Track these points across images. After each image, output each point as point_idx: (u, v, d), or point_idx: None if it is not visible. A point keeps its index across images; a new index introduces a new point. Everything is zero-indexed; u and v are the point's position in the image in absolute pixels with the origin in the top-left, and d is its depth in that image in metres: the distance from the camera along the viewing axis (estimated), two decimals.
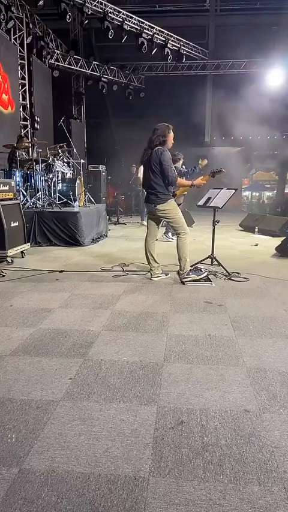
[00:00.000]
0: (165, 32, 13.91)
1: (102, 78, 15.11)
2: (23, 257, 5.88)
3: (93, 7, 11.77)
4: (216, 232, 5.29)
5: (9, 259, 5.42)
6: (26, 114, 11.58)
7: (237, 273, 4.88)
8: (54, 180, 7.70)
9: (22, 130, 11.17)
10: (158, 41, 13.75)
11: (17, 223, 5.70)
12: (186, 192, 5.08)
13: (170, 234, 7.51)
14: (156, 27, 13.61)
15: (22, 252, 5.87)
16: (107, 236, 8.53)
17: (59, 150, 8.47)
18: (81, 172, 9.39)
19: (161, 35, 13.83)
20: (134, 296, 4.04)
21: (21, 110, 11.38)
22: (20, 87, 11.28)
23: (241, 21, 16.65)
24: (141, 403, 2.08)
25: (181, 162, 7.30)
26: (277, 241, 6.85)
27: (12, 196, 5.80)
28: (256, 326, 3.21)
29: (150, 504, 1.44)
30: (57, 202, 7.57)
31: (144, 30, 13.23)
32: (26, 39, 11.35)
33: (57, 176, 7.80)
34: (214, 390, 2.21)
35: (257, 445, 1.76)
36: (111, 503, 1.44)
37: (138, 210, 12.34)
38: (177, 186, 4.55)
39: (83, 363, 2.53)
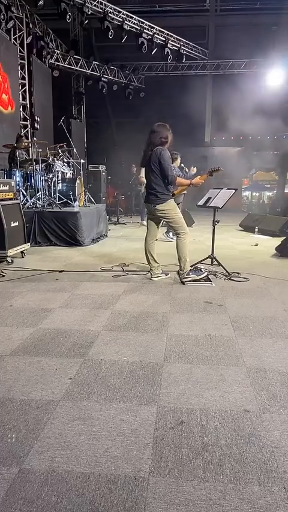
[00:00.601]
0: (165, 32, 13.91)
1: (102, 78, 15.11)
2: (23, 257, 5.88)
3: (93, 7, 11.78)
4: (216, 232, 5.29)
5: (9, 259, 5.42)
6: (26, 114, 11.58)
7: (237, 273, 4.88)
8: (54, 180, 7.70)
9: (22, 130, 11.17)
10: (158, 41, 13.75)
11: (17, 223, 5.70)
12: (185, 192, 5.08)
13: (171, 234, 7.52)
14: (156, 27, 13.61)
15: (22, 252, 5.87)
16: (107, 236, 8.54)
17: (59, 150, 8.48)
18: (81, 172, 9.39)
19: (161, 35, 13.83)
20: (134, 296, 4.04)
21: (21, 109, 11.39)
22: (20, 87, 11.28)
23: (241, 21, 16.65)
24: (141, 403, 2.08)
25: (178, 161, 7.29)
26: (277, 241, 6.85)
27: (12, 196, 5.80)
28: (256, 326, 3.21)
29: (150, 504, 1.44)
30: (57, 202, 7.57)
31: (144, 30, 13.23)
32: (26, 39, 11.35)
33: (57, 176, 7.81)
34: (214, 390, 2.21)
35: (257, 445, 1.76)
36: (111, 503, 1.44)
37: (138, 210, 12.34)
38: (176, 186, 4.55)
39: (83, 363, 2.53)
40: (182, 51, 14.72)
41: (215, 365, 2.51)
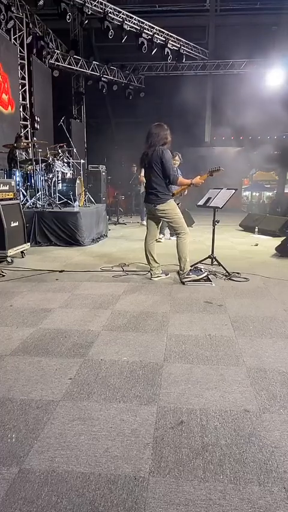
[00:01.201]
0: (165, 32, 13.90)
1: (102, 78, 15.11)
2: (23, 257, 5.88)
3: (93, 7, 11.77)
4: (216, 232, 5.29)
5: (9, 259, 5.42)
6: (26, 114, 11.58)
7: (237, 273, 4.88)
8: (54, 180, 7.70)
9: (22, 130, 11.17)
10: (158, 41, 13.74)
11: (17, 223, 5.70)
12: (186, 192, 5.07)
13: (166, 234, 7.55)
14: (156, 27, 13.60)
15: (22, 252, 5.87)
16: (107, 236, 8.54)
17: (59, 150, 8.48)
18: (81, 172, 9.39)
19: (161, 35, 13.82)
20: (134, 296, 4.04)
21: (21, 109, 11.38)
22: (20, 87, 11.28)
23: (241, 21, 16.64)
24: (141, 403, 2.08)
25: (178, 162, 7.25)
26: (277, 241, 6.85)
27: (12, 196, 5.80)
28: (256, 326, 3.21)
29: (150, 504, 1.44)
30: (57, 202, 7.57)
31: (144, 30, 13.22)
32: (26, 39, 11.34)
33: (57, 176, 7.81)
34: (214, 390, 2.21)
35: (257, 445, 1.76)
36: (111, 503, 1.44)
37: (138, 210, 12.35)
38: (177, 185, 4.55)
39: (83, 363, 2.53)
40: (182, 51, 14.71)
41: (215, 365, 2.51)
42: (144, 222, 8.13)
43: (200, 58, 15.90)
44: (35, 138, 10.89)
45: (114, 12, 12.36)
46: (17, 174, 7.22)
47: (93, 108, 16.60)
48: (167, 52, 14.08)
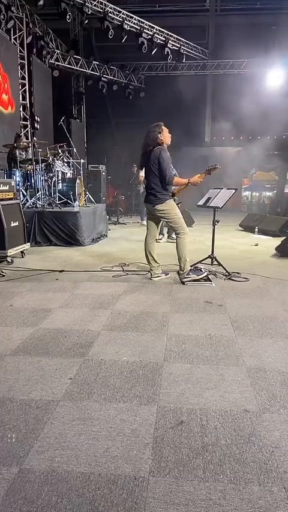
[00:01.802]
0: (165, 31, 13.90)
1: (102, 78, 15.10)
2: (23, 257, 5.88)
3: (93, 7, 11.76)
4: (216, 232, 5.29)
5: (9, 259, 5.42)
6: (26, 114, 11.57)
7: (237, 273, 4.88)
8: (54, 179, 7.70)
9: (22, 130, 11.16)
10: (158, 40, 13.74)
11: (17, 223, 5.70)
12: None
13: (165, 235, 7.48)
14: (156, 27, 13.59)
15: (22, 251, 5.87)
16: (107, 236, 8.53)
17: (59, 150, 8.48)
18: (81, 172, 9.39)
19: (161, 35, 13.81)
20: (134, 296, 4.04)
21: (21, 109, 11.38)
22: (20, 87, 11.28)
23: (241, 21, 16.62)
24: (141, 403, 2.08)
25: None
26: (277, 241, 6.85)
27: (12, 196, 5.80)
28: (256, 326, 3.21)
29: (150, 504, 1.44)
30: (57, 202, 7.57)
31: (144, 30, 13.22)
32: (26, 39, 11.34)
33: (57, 176, 7.80)
34: (214, 390, 2.21)
35: (257, 445, 1.76)
36: (111, 503, 1.44)
37: (138, 210, 12.35)
38: (173, 185, 4.55)
39: (83, 363, 2.53)
40: (182, 51, 14.70)
41: (215, 365, 2.51)
42: (144, 222, 8.13)
43: (200, 58, 15.90)
44: (35, 138, 10.89)
45: (114, 12, 12.36)
46: (17, 174, 7.22)
47: (93, 108, 16.60)
48: (167, 52, 14.07)
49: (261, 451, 1.72)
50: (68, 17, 11.25)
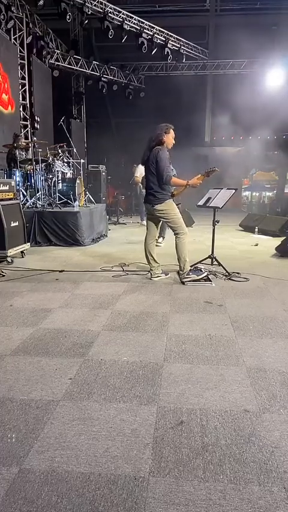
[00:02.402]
0: (165, 32, 13.89)
1: (102, 78, 15.10)
2: (23, 257, 5.88)
3: (93, 7, 11.76)
4: (216, 232, 5.29)
5: (9, 259, 5.42)
6: (26, 114, 11.57)
7: (237, 273, 4.88)
8: (54, 180, 7.70)
9: (22, 130, 11.16)
10: (158, 41, 13.73)
11: (17, 223, 5.70)
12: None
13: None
14: (156, 27, 13.59)
15: (22, 251, 5.87)
16: (107, 236, 8.53)
17: (59, 150, 8.47)
18: (81, 172, 9.39)
19: (161, 35, 13.81)
20: (134, 296, 4.04)
21: (21, 109, 11.38)
22: (20, 87, 11.28)
23: (241, 21, 16.62)
24: (141, 403, 2.08)
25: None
26: (277, 241, 6.85)
27: (12, 196, 5.80)
28: (256, 326, 3.21)
29: (150, 504, 1.44)
30: (57, 202, 7.57)
31: (144, 30, 13.21)
32: (26, 39, 11.34)
33: (57, 176, 7.80)
34: (214, 390, 2.21)
35: (257, 445, 1.76)
36: (111, 503, 1.44)
37: (138, 210, 12.35)
38: (171, 185, 4.54)
39: (83, 363, 2.53)
40: (182, 51, 14.70)
41: (215, 365, 2.51)
42: (144, 222, 8.12)
43: (200, 58, 15.90)
44: (35, 138, 10.88)
45: (114, 12, 12.36)
46: (17, 174, 7.22)
47: (93, 108, 16.60)
48: (167, 52, 14.07)
49: (261, 451, 1.72)
50: (68, 17, 11.25)
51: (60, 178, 7.94)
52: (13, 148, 7.38)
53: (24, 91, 11.47)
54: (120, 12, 12.49)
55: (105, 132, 17.63)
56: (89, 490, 1.51)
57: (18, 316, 3.41)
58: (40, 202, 7.44)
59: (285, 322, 3.32)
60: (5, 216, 5.32)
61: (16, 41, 11.07)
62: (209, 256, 5.24)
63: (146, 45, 13.26)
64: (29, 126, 11.58)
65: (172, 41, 14.23)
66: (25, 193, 7.52)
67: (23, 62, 11.30)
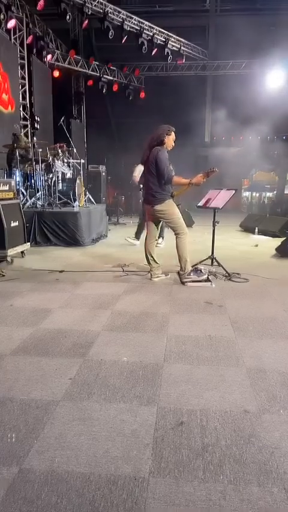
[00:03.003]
0: (165, 32, 13.89)
1: (102, 78, 15.10)
2: (23, 257, 5.88)
3: (93, 7, 11.75)
4: (216, 233, 5.29)
5: (9, 259, 5.42)
6: (26, 114, 11.57)
7: (237, 274, 4.88)
8: (54, 180, 7.70)
9: (22, 130, 11.16)
10: (158, 41, 13.73)
11: (17, 223, 5.70)
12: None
13: (130, 239, 7.33)
14: (156, 27, 13.58)
15: (22, 251, 5.87)
16: (107, 236, 8.53)
17: (59, 150, 8.46)
18: (81, 172, 9.38)
19: (161, 35, 13.81)
20: (134, 296, 4.05)
21: (21, 109, 11.38)
22: (20, 87, 11.28)
23: (241, 21, 16.62)
24: (141, 403, 2.08)
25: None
26: (277, 241, 6.85)
27: (12, 196, 5.80)
28: (256, 327, 3.21)
29: (150, 505, 1.45)
30: (57, 202, 7.57)
31: (144, 31, 13.21)
32: (26, 39, 11.34)
33: (57, 176, 7.80)
34: (214, 391, 2.21)
35: (257, 445, 1.76)
36: (111, 504, 1.44)
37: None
38: (173, 185, 4.54)
39: (83, 363, 2.53)
40: (182, 51, 14.70)
41: (215, 366, 2.51)
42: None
43: (200, 58, 15.90)
44: (35, 138, 10.88)
45: (114, 13, 12.35)
46: (17, 174, 7.22)
47: (93, 108, 16.59)
48: (167, 52, 14.07)
49: (261, 451, 1.72)
50: (68, 17, 11.24)
51: (60, 178, 7.94)
52: (13, 148, 7.38)
53: (24, 91, 11.46)
54: (120, 12, 12.49)
55: (105, 132, 17.64)
56: (89, 490, 1.51)
57: (18, 316, 3.41)
58: (40, 202, 7.44)
59: (285, 322, 3.32)
60: (5, 216, 5.32)
61: (16, 41, 11.07)
62: (209, 257, 5.24)
63: (146, 46, 13.26)
64: (29, 126, 11.57)
65: (172, 41, 14.23)
66: (25, 193, 7.52)
67: (23, 61, 11.29)
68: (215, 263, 5.16)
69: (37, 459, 1.67)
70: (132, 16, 12.90)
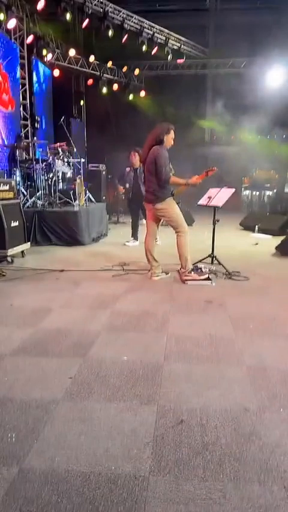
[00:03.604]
0: (166, 31, 13.88)
1: (103, 77, 15.09)
2: (23, 256, 5.88)
3: (94, 6, 11.75)
4: (216, 231, 5.29)
5: (9, 258, 5.42)
6: (27, 114, 11.57)
7: (238, 272, 4.87)
8: (54, 179, 7.69)
9: (22, 129, 11.16)
10: (158, 40, 13.72)
11: (17, 223, 5.70)
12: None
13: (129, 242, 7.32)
14: (156, 26, 13.57)
15: (22, 251, 5.87)
16: (107, 235, 8.53)
17: (59, 150, 8.46)
18: (82, 171, 9.37)
19: (161, 34, 13.80)
20: (134, 295, 4.04)
21: (21, 109, 11.37)
22: (20, 87, 11.28)
23: (241, 21, 16.60)
24: (141, 402, 2.08)
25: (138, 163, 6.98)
26: (277, 240, 6.84)
27: (12, 196, 5.80)
28: (256, 325, 3.21)
29: (150, 503, 1.45)
30: (58, 201, 7.57)
31: (145, 30, 13.19)
32: (26, 38, 11.34)
33: (58, 175, 7.80)
34: (214, 389, 2.21)
35: (257, 444, 1.76)
36: (112, 503, 1.44)
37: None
38: (170, 185, 4.53)
39: (83, 363, 2.53)
40: (182, 50, 14.69)
41: (215, 364, 2.51)
42: (144, 222, 8.12)
43: (200, 57, 15.88)
44: (35, 138, 10.89)
45: (115, 11, 12.34)
46: (17, 173, 7.22)
47: (93, 107, 16.58)
48: (167, 51, 14.06)
49: (261, 450, 1.72)
50: (68, 16, 11.23)
51: (60, 177, 7.94)
52: (13, 148, 7.38)
53: (25, 91, 11.46)
54: (120, 11, 12.48)
55: (105, 132, 17.62)
56: (89, 489, 1.51)
57: (18, 315, 3.41)
58: (40, 202, 7.43)
59: (285, 321, 3.31)
60: (5, 215, 5.32)
61: (16, 41, 11.06)
62: (209, 255, 5.23)
63: (146, 45, 13.25)
64: (30, 126, 11.57)
65: (172, 40, 14.22)
66: (25, 192, 7.52)
67: (23, 61, 11.29)
68: (215, 261, 5.16)
69: (37, 459, 1.67)
70: (133, 15, 12.89)
